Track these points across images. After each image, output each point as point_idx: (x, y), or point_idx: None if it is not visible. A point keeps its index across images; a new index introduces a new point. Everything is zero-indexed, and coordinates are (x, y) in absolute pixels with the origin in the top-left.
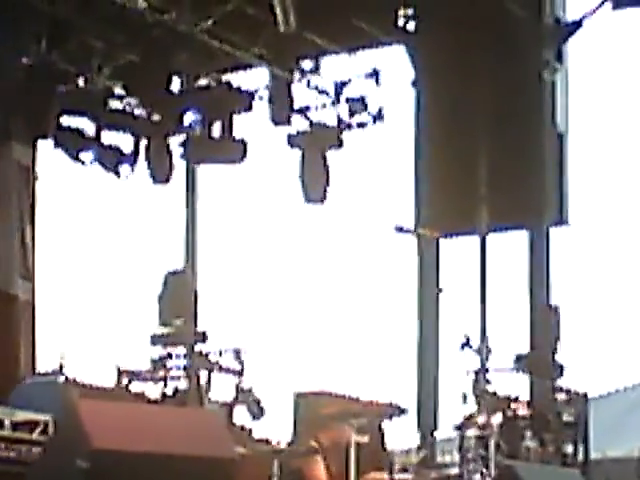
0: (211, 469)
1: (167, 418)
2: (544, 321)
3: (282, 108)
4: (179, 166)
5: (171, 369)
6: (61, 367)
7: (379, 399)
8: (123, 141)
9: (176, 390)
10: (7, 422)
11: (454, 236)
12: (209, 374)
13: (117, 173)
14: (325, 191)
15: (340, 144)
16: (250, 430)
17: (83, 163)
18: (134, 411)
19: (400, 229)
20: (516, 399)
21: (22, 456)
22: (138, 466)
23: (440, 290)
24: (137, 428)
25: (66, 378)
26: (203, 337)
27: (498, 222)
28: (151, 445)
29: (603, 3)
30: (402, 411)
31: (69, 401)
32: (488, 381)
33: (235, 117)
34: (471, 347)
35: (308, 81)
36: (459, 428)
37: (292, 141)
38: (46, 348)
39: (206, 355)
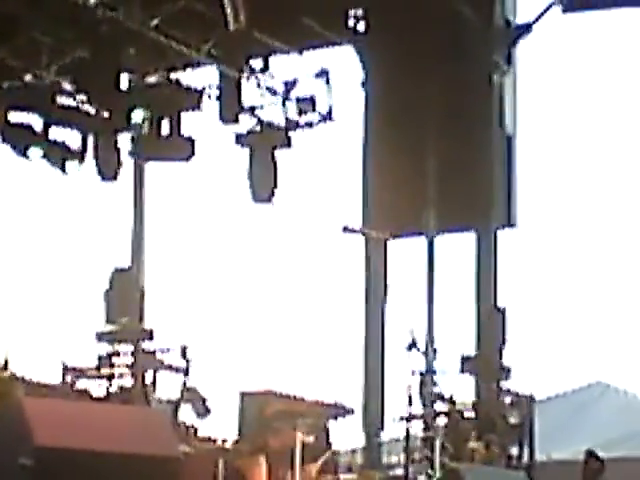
0: (155, 468)
1: (112, 416)
2: (490, 323)
3: (231, 107)
4: (127, 163)
5: (117, 367)
6: (5, 363)
7: (325, 399)
8: (71, 138)
9: (121, 388)
10: None
11: (402, 237)
12: (155, 372)
13: (64, 170)
14: (273, 191)
15: (289, 144)
16: (195, 429)
17: (30, 159)
18: (79, 408)
19: (348, 229)
20: (461, 401)
21: None
22: (82, 463)
23: (386, 285)
24: (82, 425)
25: (10, 374)
26: (149, 335)
27: (446, 224)
28: (95, 443)
29: (552, 6)
30: (348, 411)
31: (13, 397)
32: (434, 382)
33: (184, 115)
34: (418, 348)
35: (257, 80)
36: (404, 429)
37: (241, 140)
38: None
39: (152, 353)
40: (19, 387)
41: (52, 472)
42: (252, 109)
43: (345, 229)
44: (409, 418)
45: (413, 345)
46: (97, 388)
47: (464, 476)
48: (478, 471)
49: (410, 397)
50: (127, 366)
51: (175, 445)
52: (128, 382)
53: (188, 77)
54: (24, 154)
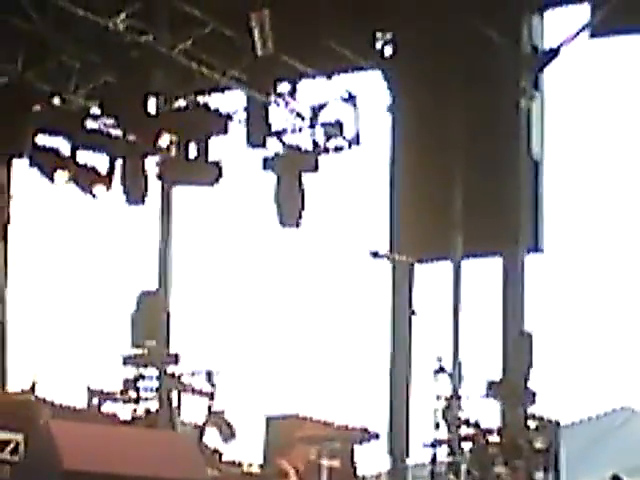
0: None
1: (139, 440)
2: (517, 348)
3: (258, 131)
4: (154, 187)
5: (142, 390)
6: (33, 386)
7: (351, 424)
8: (99, 161)
9: (147, 411)
10: None
11: (428, 262)
12: (180, 396)
13: (92, 193)
14: (300, 215)
15: (316, 168)
16: (221, 453)
17: (58, 183)
18: (106, 432)
19: (375, 254)
20: (487, 426)
21: None
22: None
23: (413, 312)
24: (109, 450)
25: (38, 398)
26: (175, 359)
27: (472, 248)
28: (123, 467)
29: (581, 32)
30: (374, 436)
31: (41, 421)
32: (460, 407)
33: (211, 139)
34: (445, 372)
35: (285, 104)
36: (430, 454)
37: (268, 164)
38: (18, 368)
39: (178, 377)
40: (46, 410)
41: None
42: (279, 133)
43: (372, 254)
44: (435, 443)
45: (440, 370)
46: (123, 411)
47: None
48: None
49: (437, 422)
50: (153, 390)
51: (203, 470)
52: (154, 406)
53: (216, 101)
54: (52, 178)
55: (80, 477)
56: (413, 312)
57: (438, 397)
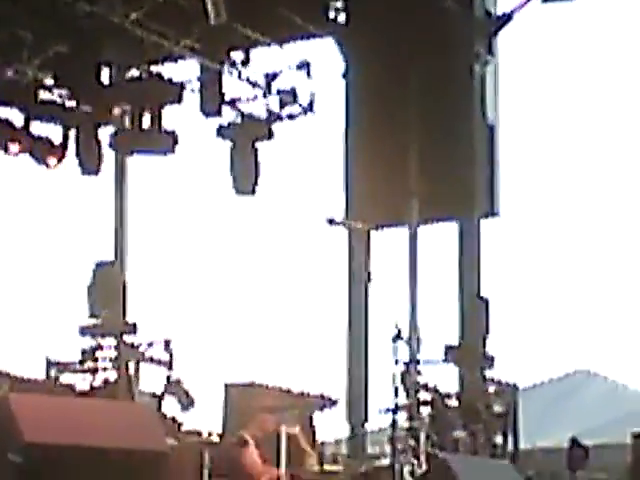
0: (143, 462)
1: (99, 411)
2: (473, 313)
3: (212, 99)
4: (109, 157)
5: (100, 360)
6: None
7: (310, 391)
8: (52, 132)
9: (106, 381)
10: None
11: (384, 228)
12: (138, 365)
13: (46, 164)
14: (255, 183)
15: (270, 136)
16: (180, 422)
17: (12, 154)
18: (66, 404)
19: (331, 221)
20: (446, 391)
21: None
22: (71, 460)
23: (369, 278)
24: (69, 422)
25: None
26: (132, 328)
27: (428, 214)
28: (84, 438)
29: None
30: (333, 402)
31: (2, 394)
32: (418, 372)
33: (165, 108)
34: (403, 339)
35: (239, 73)
36: (390, 420)
37: (222, 132)
38: None
39: (135, 346)
40: (3, 383)
41: (41, 469)
42: (233, 102)
43: (329, 221)
44: (394, 409)
45: (398, 336)
46: (81, 382)
47: (452, 467)
48: (465, 461)
49: (396, 388)
50: (110, 360)
51: (162, 439)
52: (112, 376)
53: (169, 70)
54: (5, 149)
55: (41, 449)
56: (369, 277)
57: (397, 362)
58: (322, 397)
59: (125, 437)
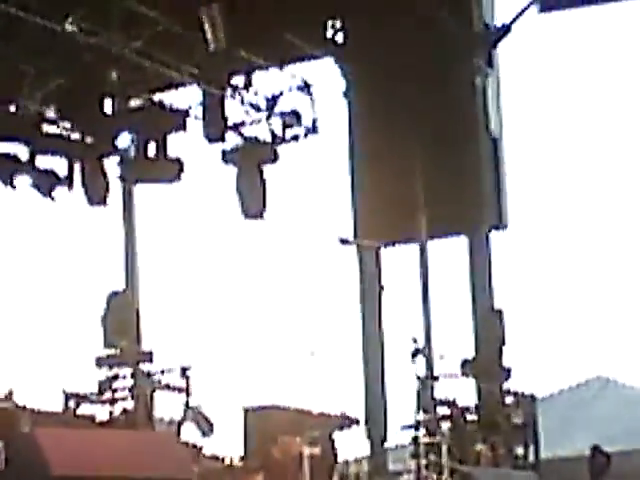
0: None
1: (124, 441)
2: (488, 325)
3: (216, 125)
4: (115, 187)
5: (118, 390)
6: (10, 394)
7: (329, 410)
8: (58, 165)
9: (124, 411)
10: None
11: (394, 245)
12: (153, 393)
13: (52, 197)
14: (263, 206)
15: (275, 158)
16: (200, 448)
17: (17, 188)
18: (90, 436)
19: (344, 241)
20: (465, 405)
21: None
22: None
23: (382, 288)
24: (94, 453)
25: (16, 405)
26: (149, 356)
27: (437, 229)
28: (110, 469)
29: (528, 7)
30: (353, 421)
31: (22, 428)
32: (435, 387)
33: (169, 136)
34: (422, 355)
35: (241, 97)
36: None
37: (227, 158)
38: None
39: (152, 374)
40: (25, 417)
41: None
42: (237, 126)
43: (342, 241)
44: (416, 425)
45: (417, 352)
46: (100, 413)
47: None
48: (490, 474)
49: (417, 404)
50: (128, 389)
51: (188, 467)
52: (130, 405)
53: (171, 98)
54: (11, 184)
55: None
56: (382, 290)
57: (418, 378)
58: (342, 416)
59: (152, 466)
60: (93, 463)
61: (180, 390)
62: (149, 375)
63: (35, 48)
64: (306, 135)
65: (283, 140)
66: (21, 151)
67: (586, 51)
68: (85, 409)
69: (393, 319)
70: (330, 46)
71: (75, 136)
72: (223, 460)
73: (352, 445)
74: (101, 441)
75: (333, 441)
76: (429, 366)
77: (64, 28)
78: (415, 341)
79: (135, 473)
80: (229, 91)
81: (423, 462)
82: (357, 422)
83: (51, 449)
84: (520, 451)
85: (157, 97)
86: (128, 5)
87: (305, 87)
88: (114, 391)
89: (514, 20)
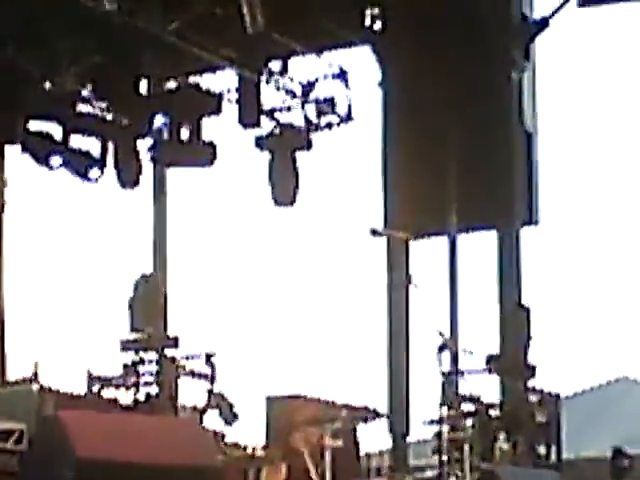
0: (193, 477)
1: (146, 426)
2: (515, 321)
3: (250, 110)
4: (148, 170)
5: (143, 375)
6: (35, 375)
7: (353, 403)
8: (91, 145)
9: (148, 396)
10: None
11: (424, 237)
12: (178, 379)
13: (86, 177)
14: (294, 193)
15: (309, 145)
16: (223, 435)
17: (51, 168)
18: (116, 420)
19: (374, 232)
20: (489, 401)
21: None
22: (123, 475)
23: (410, 281)
24: (120, 437)
25: (41, 386)
26: (174, 342)
27: (468, 223)
28: (135, 454)
29: (567, 0)
30: (377, 414)
31: (47, 410)
32: (460, 383)
33: (204, 120)
34: (449, 349)
35: (276, 82)
36: (435, 431)
37: (261, 143)
38: (17, 357)
39: (177, 360)
40: (49, 398)
41: None
42: (271, 112)
43: (373, 232)
44: (440, 420)
45: (444, 347)
46: (124, 397)
47: (500, 477)
48: (513, 472)
49: (441, 399)
50: (152, 374)
51: (214, 454)
52: (154, 390)
53: (207, 81)
54: (45, 163)
55: (94, 465)
56: (410, 281)
57: (443, 373)
58: (366, 409)
59: (177, 452)
60: (118, 447)
61: (205, 377)
62: (174, 361)
63: (73, 26)
64: (340, 123)
65: (317, 127)
66: (55, 130)
67: (625, 46)
68: (109, 393)
69: (420, 312)
70: (368, 34)
71: (109, 116)
72: (245, 449)
73: (374, 438)
74: (127, 425)
75: (356, 434)
76: (454, 361)
77: (102, 7)
78: (441, 335)
79: (160, 459)
80: (265, 76)
81: (445, 458)
82: (380, 415)
83: (77, 431)
84: (542, 450)
85: (193, 80)
86: None
87: (341, 75)
88: (139, 375)
89: (553, 14)
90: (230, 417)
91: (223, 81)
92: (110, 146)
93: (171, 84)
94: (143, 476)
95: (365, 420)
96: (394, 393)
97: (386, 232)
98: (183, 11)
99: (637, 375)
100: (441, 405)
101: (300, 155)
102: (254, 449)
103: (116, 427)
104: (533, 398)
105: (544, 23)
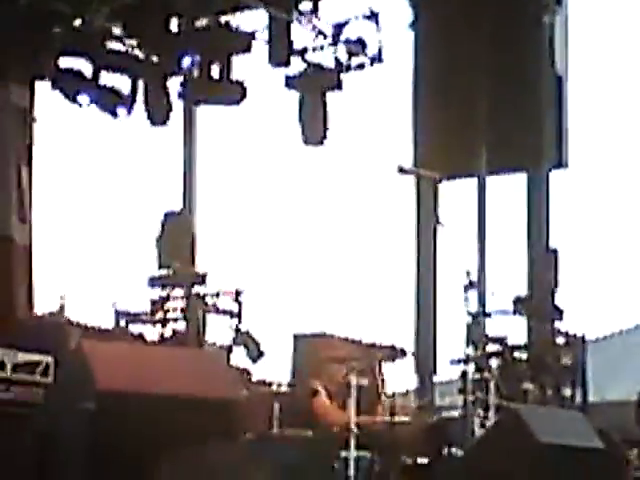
0: (216, 410)
1: (171, 359)
2: (543, 264)
3: (281, 49)
4: (177, 108)
5: (170, 311)
6: (61, 308)
7: (379, 341)
8: (121, 83)
9: (175, 332)
10: (8, 363)
11: (453, 178)
12: (205, 316)
13: (115, 115)
14: (324, 133)
15: (339, 86)
16: (249, 372)
17: (81, 105)
18: (137, 352)
19: (402, 170)
20: (515, 343)
21: (23, 397)
22: (144, 407)
23: (439, 223)
24: (141, 369)
25: (67, 319)
26: (202, 279)
27: (497, 164)
28: (156, 386)
29: None
30: (403, 353)
31: (72, 342)
32: (486, 324)
33: (233, 58)
34: (474, 288)
35: (307, 22)
36: (460, 371)
37: (291, 83)
38: (44, 290)
39: (204, 297)
40: (75, 331)
41: (115, 416)
42: (302, 52)
43: (400, 170)
44: (465, 360)
45: (470, 286)
46: (150, 332)
47: (523, 417)
48: (536, 412)
49: (467, 338)
50: (180, 310)
51: (234, 387)
52: (181, 326)
53: (238, 20)
54: (75, 100)
55: (115, 397)
56: (439, 222)
57: (468, 313)
58: (392, 348)
59: (198, 385)
60: (140, 379)
61: (232, 314)
62: (201, 297)
63: None
64: (371, 64)
65: (348, 68)
66: (85, 67)
67: None
68: (136, 328)
69: (448, 253)
70: None
71: (140, 54)
72: (270, 385)
73: (400, 377)
74: (150, 357)
75: (382, 372)
76: (481, 302)
77: None
78: (468, 274)
79: (180, 390)
80: (295, 15)
81: (470, 398)
82: (406, 354)
83: (98, 363)
84: (568, 392)
85: (223, 18)
86: None
87: (372, 16)
88: (166, 312)
89: None
90: (256, 354)
91: (254, 20)
92: (140, 84)
93: (201, 22)
94: (163, 407)
95: (392, 359)
96: (421, 333)
97: (414, 171)
98: None
99: None
100: (467, 345)
101: (330, 95)
102: (279, 386)
103: (139, 359)
104: (559, 341)
105: None
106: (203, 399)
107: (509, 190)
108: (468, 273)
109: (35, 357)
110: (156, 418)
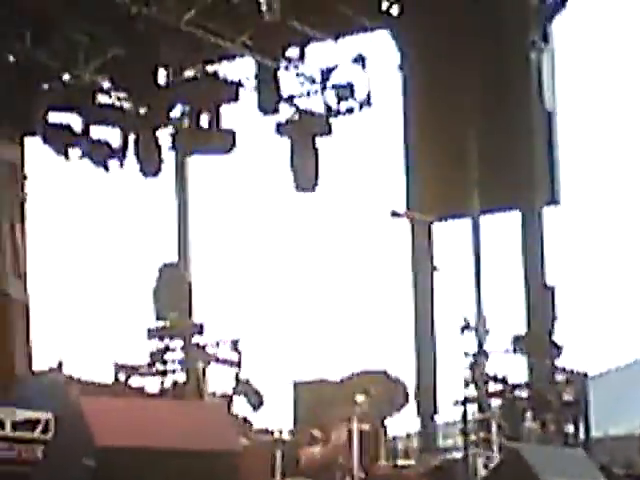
0: (216, 463)
1: (170, 412)
2: (540, 301)
3: (269, 97)
4: (169, 159)
5: (169, 362)
6: (60, 365)
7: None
8: (112, 136)
9: (175, 383)
10: (7, 422)
11: (447, 219)
12: (204, 366)
13: (106, 168)
14: (316, 178)
15: (329, 131)
16: (250, 421)
17: (71, 159)
18: (136, 406)
19: (395, 214)
20: (515, 381)
21: (24, 456)
22: (144, 462)
23: (435, 269)
24: (141, 424)
25: (66, 376)
26: (199, 329)
27: (490, 204)
28: (156, 440)
29: None
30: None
31: (71, 399)
32: (486, 364)
33: (223, 107)
34: (471, 330)
35: (295, 69)
36: (461, 412)
37: (281, 130)
38: (42, 346)
39: (203, 347)
40: (75, 388)
41: (115, 472)
42: (291, 98)
43: (393, 214)
44: (465, 401)
45: (467, 327)
46: (150, 385)
47: (525, 457)
48: (539, 451)
49: (466, 379)
50: (179, 361)
51: (234, 439)
52: (181, 377)
53: (225, 69)
54: (65, 154)
55: (115, 452)
56: (435, 268)
57: (466, 354)
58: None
59: (198, 438)
60: (138, 433)
61: (231, 363)
62: (200, 347)
63: (90, 18)
64: (360, 108)
65: (337, 113)
66: (75, 122)
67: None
68: (136, 381)
69: (445, 294)
70: (385, 19)
71: (129, 107)
72: (272, 433)
73: (402, 421)
74: (148, 411)
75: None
76: (480, 342)
77: None
78: (465, 316)
79: (180, 444)
80: (283, 63)
81: (472, 438)
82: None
83: (97, 418)
84: (570, 429)
85: (211, 68)
86: None
87: (360, 60)
88: (165, 363)
89: None
90: (257, 403)
91: (241, 69)
92: (131, 136)
93: (189, 73)
94: (163, 462)
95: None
96: (421, 375)
97: (407, 214)
98: (198, 0)
99: None
100: (466, 386)
101: (321, 141)
102: (281, 433)
103: (138, 413)
104: (560, 377)
105: (561, 3)
106: (203, 451)
107: (503, 228)
108: (464, 315)
109: (35, 414)
110: (157, 473)
